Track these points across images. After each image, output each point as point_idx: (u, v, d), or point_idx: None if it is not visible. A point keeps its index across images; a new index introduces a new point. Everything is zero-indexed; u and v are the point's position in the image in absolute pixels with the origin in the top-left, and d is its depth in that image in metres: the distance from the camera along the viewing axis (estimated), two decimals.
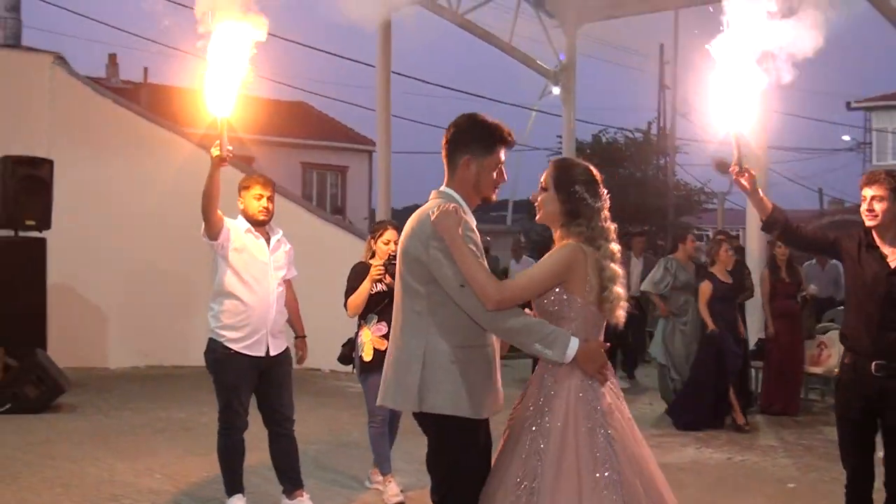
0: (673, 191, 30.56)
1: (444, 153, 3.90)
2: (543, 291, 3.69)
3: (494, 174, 3.84)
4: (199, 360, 12.13)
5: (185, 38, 5.57)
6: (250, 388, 6.12)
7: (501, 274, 18.54)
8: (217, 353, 6.04)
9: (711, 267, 10.27)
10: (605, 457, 3.57)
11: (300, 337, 6.49)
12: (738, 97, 4.72)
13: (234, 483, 6.17)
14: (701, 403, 9.85)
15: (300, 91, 52.93)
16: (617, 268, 3.79)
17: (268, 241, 6.18)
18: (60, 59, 13.17)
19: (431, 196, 3.89)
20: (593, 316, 3.74)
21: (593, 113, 75.20)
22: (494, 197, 3.94)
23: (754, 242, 12.19)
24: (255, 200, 6.11)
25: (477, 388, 3.63)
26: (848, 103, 39.78)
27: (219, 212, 5.92)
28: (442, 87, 64.71)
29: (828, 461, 8.44)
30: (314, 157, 35.44)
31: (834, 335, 11.17)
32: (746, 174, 4.95)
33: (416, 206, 4.07)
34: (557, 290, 3.69)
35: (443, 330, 3.63)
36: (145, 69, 33.46)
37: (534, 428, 3.64)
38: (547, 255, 3.76)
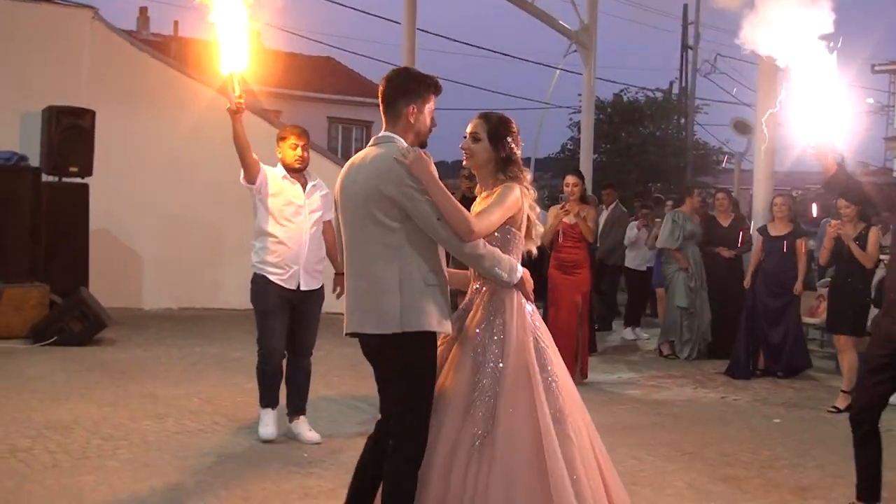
0: (691, 150, 30.94)
1: (383, 104, 4.25)
2: (500, 225, 4.30)
3: (429, 119, 4.33)
4: (228, 302, 12.99)
5: None
6: (283, 318, 6.69)
7: None
8: (258, 285, 6.67)
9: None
10: (544, 361, 4.24)
11: (339, 274, 6.62)
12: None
13: (266, 396, 6.79)
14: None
15: (327, 47, 53.44)
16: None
17: (304, 186, 6.72)
18: (98, 14, 13.77)
19: (373, 141, 4.27)
20: (521, 247, 4.41)
21: (616, 72, 75.01)
22: (426, 141, 4.40)
23: (760, 202, 12.69)
24: (291, 150, 6.68)
25: (445, 307, 4.16)
26: (872, 66, 39.86)
27: (254, 156, 6.50)
28: (468, 44, 64.87)
29: (816, 402, 9.10)
30: (340, 112, 35.96)
31: None
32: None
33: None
34: (506, 225, 4.30)
35: (414, 259, 4.07)
36: (175, 22, 33.98)
37: (491, 337, 4.21)
38: (498, 194, 4.28)
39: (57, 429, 6.85)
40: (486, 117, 4.46)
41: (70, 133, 11.61)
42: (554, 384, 4.20)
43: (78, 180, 11.61)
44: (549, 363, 4.25)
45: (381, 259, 4.07)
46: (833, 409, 8.70)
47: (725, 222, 11.67)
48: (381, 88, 4.26)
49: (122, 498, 5.45)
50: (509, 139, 4.41)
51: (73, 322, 10.42)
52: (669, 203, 13.81)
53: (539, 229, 4.51)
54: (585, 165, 18.63)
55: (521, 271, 4.28)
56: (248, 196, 6.76)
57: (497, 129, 4.42)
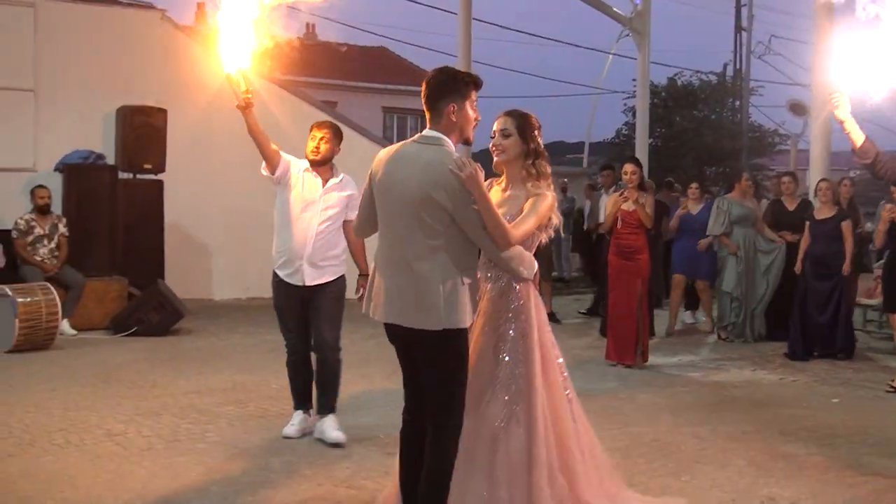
0: (747, 132, 30.89)
1: (426, 104, 4.41)
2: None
3: (472, 114, 4.50)
4: None
5: None
6: (295, 313, 6.63)
7: (577, 214, 19.40)
8: (273, 280, 6.69)
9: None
10: (552, 343, 4.86)
11: (363, 275, 6.57)
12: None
13: (296, 398, 6.83)
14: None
15: (379, 37, 53.82)
16: None
17: (325, 181, 6.57)
18: (165, 15, 14.22)
19: (420, 139, 4.43)
20: (537, 241, 4.79)
21: (668, 55, 74.62)
22: (472, 139, 4.61)
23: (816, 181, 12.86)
24: (311, 141, 6.58)
25: (475, 303, 4.48)
26: None
27: (274, 147, 6.47)
28: (521, 31, 64.87)
29: (874, 382, 9.27)
30: (394, 102, 36.30)
31: None
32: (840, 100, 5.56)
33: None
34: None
35: (454, 260, 4.31)
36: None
37: (511, 329, 4.72)
38: (533, 202, 4.58)
39: (147, 414, 7.30)
40: (512, 114, 4.77)
41: (143, 131, 12.12)
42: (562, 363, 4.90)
43: (151, 177, 12.08)
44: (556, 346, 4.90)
45: (426, 258, 4.28)
46: (891, 388, 8.89)
47: (791, 206, 11.76)
48: (422, 90, 4.43)
49: (216, 478, 5.83)
50: (536, 132, 4.74)
51: (152, 313, 10.90)
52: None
53: (555, 220, 4.75)
54: (641, 150, 18.80)
55: (535, 266, 4.76)
56: None
57: (524, 123, 4.74)
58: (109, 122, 12.41)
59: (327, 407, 6.70)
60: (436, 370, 4.40)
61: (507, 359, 4.67)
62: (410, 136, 4.61)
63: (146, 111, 12.25)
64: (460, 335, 4.37)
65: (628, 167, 9.72)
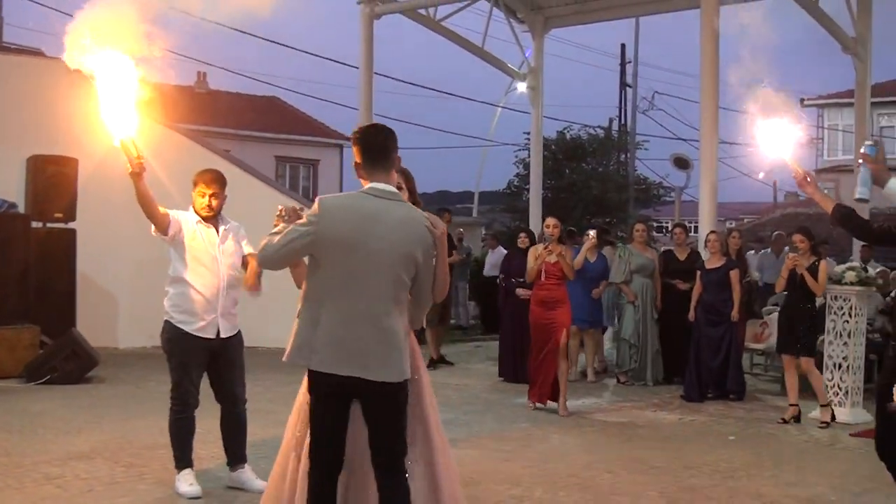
0: (633, 184, 32.03)
1: (382, 156, 4.54)
2: None
3: None
4: None
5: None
6: (201, 367, 6.54)
7: (473, 263, 19.99)
8: (170, 334, 6.49)
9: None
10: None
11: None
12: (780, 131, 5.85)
13: (183, 458, 6.64)
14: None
15: (271, 86, 53.98)
16: None
17: (217, 231, 6.53)
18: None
19: (378, 193, 4.45)
20: None
21: (558, 110, 76.60)
22: None
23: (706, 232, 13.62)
24: (200, 198, 6.50)
25: None
26: (801, 100, 41.56)
27: (161, 210, 6.39)
28: (418, 85, 65.90)
29: (766, 421, 9.94)
30: (287, 151, 36.58)
31: (775, 316, 12.79)
32: (809, 178, 5.73)
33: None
34: None
35: (408, 313, 4.61)
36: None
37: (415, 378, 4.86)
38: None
39: (80, 458, 7.43)
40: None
41: (54, 180, 12.17)
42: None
43: (63, 226, 12.14)
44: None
45: (395, 314, 4.43)
46: (782, 421, 9.73)
47: (682, 255, 12.50)
48: (379, 142, 4.54)
49: None
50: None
51: (66, 361, 10.92)
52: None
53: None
54: (535, 201, 19.59)
55: None
56: None
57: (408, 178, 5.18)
58: (21, 170, 12.40)
59: (242, 457, 6.79)
60: (393, 419, 4.50)
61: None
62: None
63: (57, 160, 12.32)
64: (407, 383, 4.58)
65: (550, 221, 10.20)
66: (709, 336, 11.26)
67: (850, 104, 20.91)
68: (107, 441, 8.07)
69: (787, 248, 15.66)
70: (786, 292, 10.23)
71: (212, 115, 32.95)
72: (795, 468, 7.92)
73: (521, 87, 20.79)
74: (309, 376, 4.53)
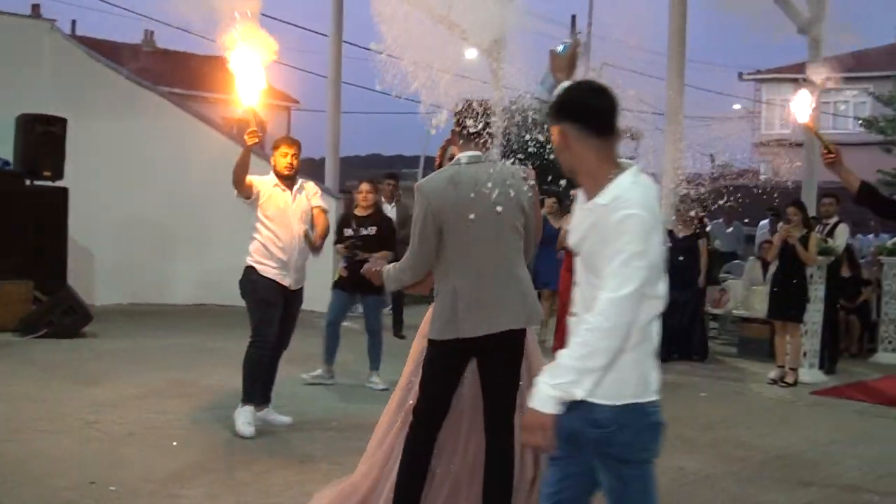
0: None
1: (464, 128, 4.78)
2: None
3: None
4: (175, 298, 13.78)
5: None
6: (278, 308, 7.15)
7: None
8: (253, 276, 7.12)
9: None
10: None
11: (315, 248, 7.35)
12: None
13: (251, 393, 7.18)
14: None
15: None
16: None
17: (291, 191, 7.24)
18: (55, 26, 14.50)
19: (469, 160, 4.71)
20: None
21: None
22: None
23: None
24: (282, 158, 7.22)
25: None
26: (740, 74, 42.63)
27: (247, 179, 7.04)
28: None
29: (731, 380, 10.73)
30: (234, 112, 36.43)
31: (732, 283, 13.71)
32: (836, 155, 5.69)
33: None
34: None
35: (524, 261, 4.94)
36: (73, 21, 34.26)
37: None
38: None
39: (110, 406, 7.81)
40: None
41: (44, 139, 12.39)
42: None
43: (58, 183, 12.40)
44: None
45: (520, 263, 4.74)
46: (771, 381, 10.57)
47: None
48: (475, 114, 4.77)
49: (217, 455, 6.54)
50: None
51: (63, 315, 11.24)
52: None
53: None
54: None
55: None
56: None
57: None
58: (10, 129, 12.56)
59: (268, 398, 7.55)
60: (513, 371, 4.72)
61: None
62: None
63: (46, 119, 12.52)
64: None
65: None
66: (674, 299, 11.92)
67: (790, 79, 21.42)
68: (126, 392, 8.43)
69: (737, 221, 16.74)
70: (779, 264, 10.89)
71: (160, 74, 32.80)
72: (767, 422, 8.71)
73: (471, 52, 21.20)
74: (436, 342, 4.70)
